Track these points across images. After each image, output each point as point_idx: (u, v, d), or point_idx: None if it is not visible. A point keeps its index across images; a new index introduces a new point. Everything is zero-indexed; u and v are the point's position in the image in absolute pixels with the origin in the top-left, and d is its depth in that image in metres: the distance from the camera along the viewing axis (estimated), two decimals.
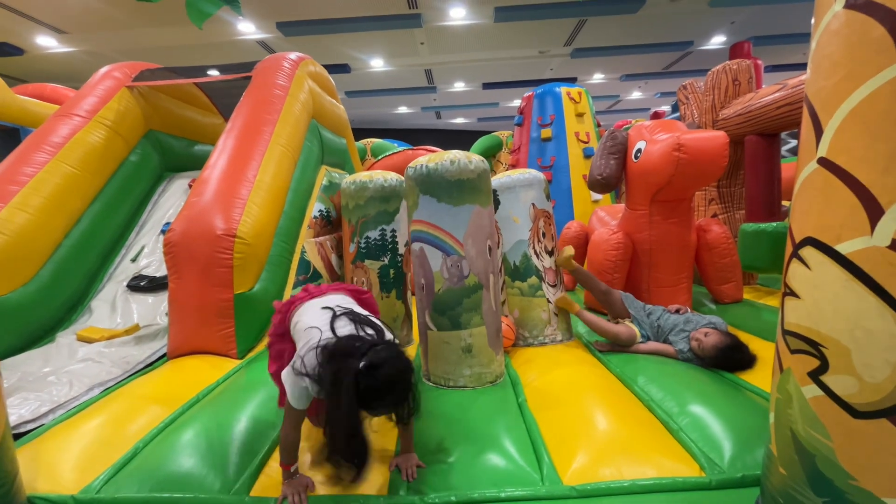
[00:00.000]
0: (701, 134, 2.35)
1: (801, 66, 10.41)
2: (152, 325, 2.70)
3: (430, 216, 1.85)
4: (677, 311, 2.26)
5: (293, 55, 3.55)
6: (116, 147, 3.35)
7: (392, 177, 2.38)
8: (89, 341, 2.49)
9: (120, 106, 3.42)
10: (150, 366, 2.27)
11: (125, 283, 3.02)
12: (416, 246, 1.93)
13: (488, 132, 8.19)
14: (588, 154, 4.72)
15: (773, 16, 8.19)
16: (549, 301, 2.32)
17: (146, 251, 3.29)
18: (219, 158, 2.63)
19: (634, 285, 2.67)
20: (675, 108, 12.00)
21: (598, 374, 1.90)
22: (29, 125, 4.17)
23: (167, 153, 3.94)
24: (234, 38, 8.21)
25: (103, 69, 3.62)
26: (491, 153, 7.49)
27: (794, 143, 6.28)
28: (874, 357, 0.76)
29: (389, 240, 2.37)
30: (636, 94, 13.59)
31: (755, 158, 3.13)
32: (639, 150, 2.56)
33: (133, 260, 3.23)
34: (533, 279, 2.32)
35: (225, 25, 7.70)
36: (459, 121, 16.18)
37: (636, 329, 2.16)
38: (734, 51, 9.03)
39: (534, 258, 2.33)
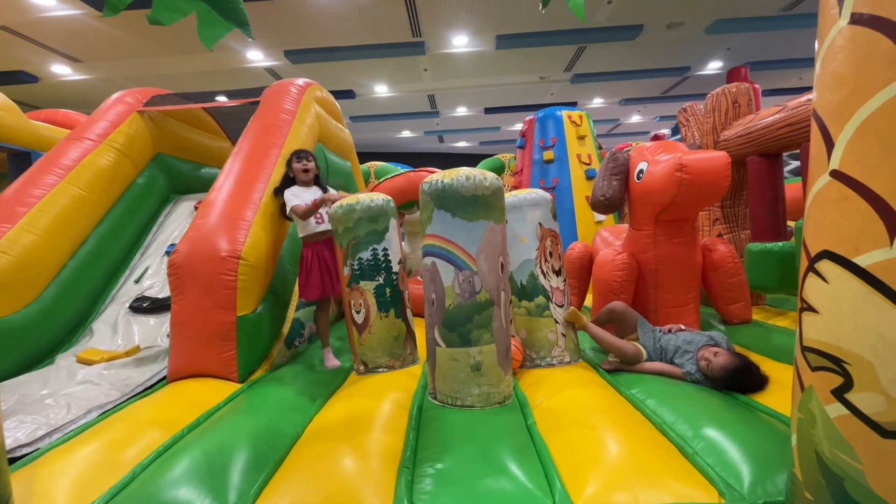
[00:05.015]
0: (703, 154, 2.36)
1: (798, 90, 10.59)
2: (153, 347, 2.67)
3: (444, 231, 1.85)
4: (669, 331, 2.24)
5: (300, 81, 3.63)
6: (124, 170, 3.39)
7: (378, 197, 2.38)
8: (89, 363, 2.45)
9: (130, 130, 3.48)
10: (149, 388, 2.23)
11: (128, 305, 3.01)
12: (427, 260, 1.92)
13: (490, 155, 8.31)
14: (590, 175, 4.76)
15: (769, 41, 8.39)
16: (556, 321, 2.28)
17: (150, 272, 3.29)
18: (225, 181, 2.65)
19: (642, 306, 2.63)
20: (675, 131, 12.17)
21: (608, 396, 1.85)
22: (41, 149, 4.24)
23: (174, 176, 3.99)
24: (243, 66, 8.45)
25: (115, 94, 3.71)
26: None
27: (795, 164, 6.32)
28: None
29: (382, 259, 2.35)
30: (636, 118, 13.82)
31: (758, 178, 3.14)
32: (641, 171, 2.57)
33: (136, 281, 3.23)
34: (540, 299, 2.29)
35: (235, 53, 7.95)
36: (462, 144, 16.44)
37: (643, 349, 2.14)
38: (731, 75, 9.23)
39: (541, 277, 2.31)
